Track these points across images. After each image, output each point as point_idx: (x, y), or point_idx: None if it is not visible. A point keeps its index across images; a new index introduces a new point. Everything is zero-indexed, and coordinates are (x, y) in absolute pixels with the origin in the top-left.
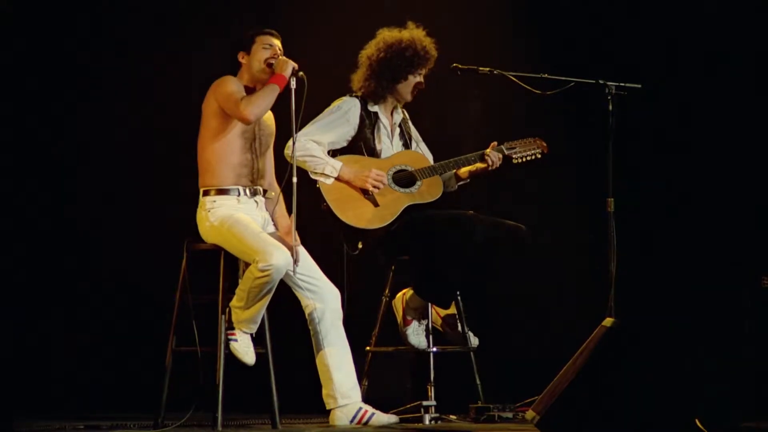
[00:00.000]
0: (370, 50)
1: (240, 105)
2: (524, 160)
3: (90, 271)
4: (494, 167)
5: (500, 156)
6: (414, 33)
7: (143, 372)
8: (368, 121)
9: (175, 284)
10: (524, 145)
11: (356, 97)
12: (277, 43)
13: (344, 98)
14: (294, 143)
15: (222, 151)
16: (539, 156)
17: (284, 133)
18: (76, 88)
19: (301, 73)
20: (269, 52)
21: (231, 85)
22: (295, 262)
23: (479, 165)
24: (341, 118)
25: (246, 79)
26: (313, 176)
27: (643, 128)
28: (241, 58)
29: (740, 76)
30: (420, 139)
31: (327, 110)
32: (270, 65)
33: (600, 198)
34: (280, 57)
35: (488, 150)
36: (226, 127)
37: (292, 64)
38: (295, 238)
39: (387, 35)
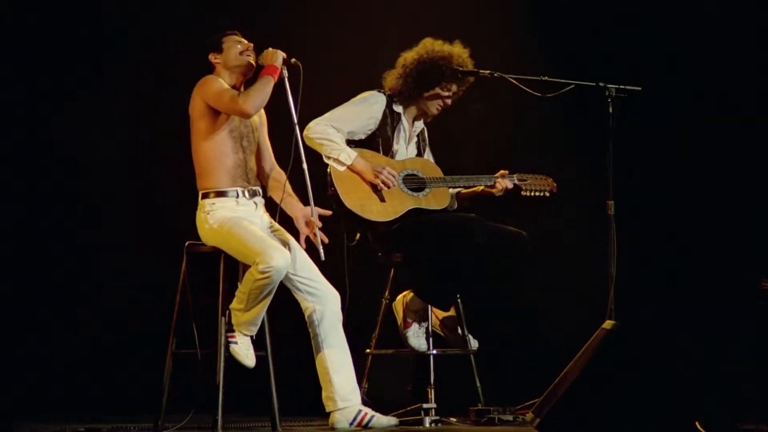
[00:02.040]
0: (410, 53)
1: (238, 99)
2: (532, 194)
3: (90, 273)
4: (500, 193)
5: (509, 184)
6: (455, 49)
7: (143, 374)
8: (390, 120)
9: (175, 287)
10: (536, 180)
11: (384, 93)
12: (245, 40)
13: (372, 91)
14: (296, 128)
15: (214, 152)
16: (547, 194)
17: (287, 126)
18: (77, 88)
19: (293, 59)
20: (242, 46)
21: (217, 83)
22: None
23: (485, 188)
24: (366, 110)
25: (224, 75)
26: (326, 160)
27: (643, 131)
28: (214, 58)
29: (741, 77)
30: (431, 154)
31: (353, 100)
32: (248, 58)
33: (600, 201)
34: (268, 49)
35: (498, 176)
36: (215, 127)
37: (281, 54)
38: (316, 221)
39: (429, 43)
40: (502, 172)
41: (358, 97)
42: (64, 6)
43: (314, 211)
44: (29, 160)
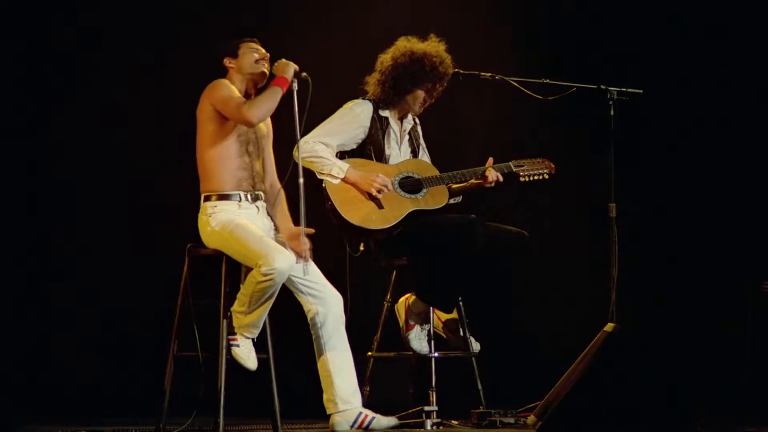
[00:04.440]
0: (385, 56)
1: (242, 108)
2: (531, 178)
3: (91, 275)
4: (491, 185)
5: (499, 174)
6: (429, 48)
7: (145, 377)
8: (379, 125)
9: (176, 289)
10: (533, 164)
11: (369, 100)
12: (262, 49)
13: (357, 100)
14: (298, 146)
15: (220, 155)
16: (546, 177)
17: (289, 137)
18: (77, 89)
19: (304, 74)
20: (258, 54)
21: (226, 89)
22: (302, 262)
23: (474, 181)
24: (353, 120)
25: (237, 81)
26: (320, 176)
27: (644, 133)
28: (228, 62)
29: (741, 80)
30: (425, 149)
31: (339, 112)
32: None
33: (602, 203)
34: (281, 60)
35: (488, 166)
36: (222, 131)
37: (293, 66)
38: (304, 241)
39: (402, 45)
40: (489, 160)
41: (344, 107)
42: (65, 5)
43: (303, 232)
44: (29, 160)
